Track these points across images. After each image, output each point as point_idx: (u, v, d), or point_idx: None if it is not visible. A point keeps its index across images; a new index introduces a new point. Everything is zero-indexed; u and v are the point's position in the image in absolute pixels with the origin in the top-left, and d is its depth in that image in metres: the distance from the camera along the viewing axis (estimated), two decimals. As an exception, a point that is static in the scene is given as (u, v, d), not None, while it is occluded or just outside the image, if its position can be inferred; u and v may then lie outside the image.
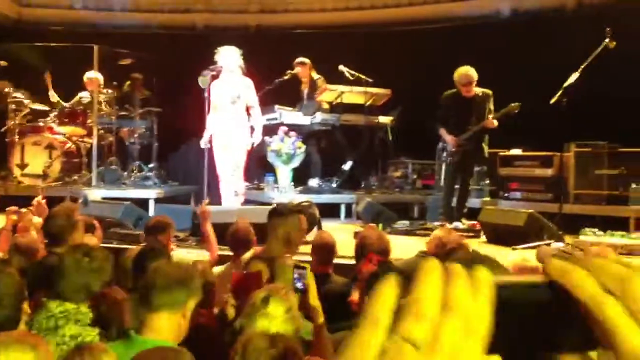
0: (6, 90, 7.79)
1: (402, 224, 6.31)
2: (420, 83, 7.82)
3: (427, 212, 7.10)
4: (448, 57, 7.15)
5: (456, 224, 6.07)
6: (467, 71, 6.12)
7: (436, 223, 5.97)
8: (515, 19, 8.92)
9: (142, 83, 8.28)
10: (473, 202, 6.76)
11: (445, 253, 3.45)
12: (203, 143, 6.25)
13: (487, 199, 7.13)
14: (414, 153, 8.36)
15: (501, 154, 7.15)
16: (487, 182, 7.40)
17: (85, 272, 2.25)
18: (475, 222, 5.93)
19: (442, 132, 6.38)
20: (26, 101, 7.87)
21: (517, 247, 4.79)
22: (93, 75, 7.89)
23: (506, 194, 7.06)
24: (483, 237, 5.67)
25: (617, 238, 5.11)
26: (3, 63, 7.94)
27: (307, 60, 7.87)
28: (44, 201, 4.27)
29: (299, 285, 2.53)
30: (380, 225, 6.02)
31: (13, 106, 7.80)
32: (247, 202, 6.73)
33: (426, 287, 0.41)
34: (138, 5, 10.88)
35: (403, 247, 4.72)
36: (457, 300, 0.41)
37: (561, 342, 0.44)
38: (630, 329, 0.40)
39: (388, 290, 0.42)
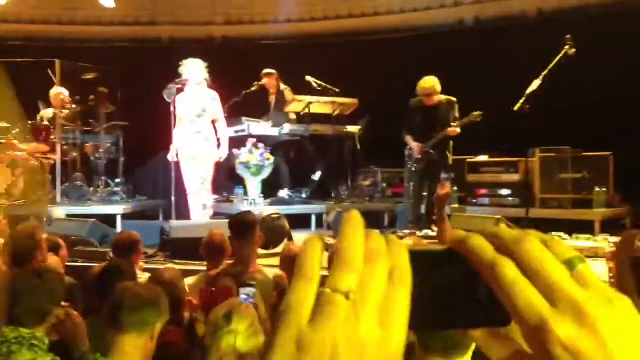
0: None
1: (373, 233, 6.30)
2: (387, 92, 7.88)
3: (397, 221, 7.14)
4: (413, 66, 7.23)
5: (426, 231, 6.11)
6: (426, 83, 6.19)
7: (406, 231, 6.01)
8: (478, 27, 9.07)
9: (107, 97, 8.15)
10: (442, 209, 6.81)
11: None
12: (170, 157, 6.19)
13: (456, 205, 7.21)
14: (383, 161, 8.41)
15: (468, 160, 7.25)
16: (455, 188, 7.47)
17: (38, 295, 2.18)
18: (444, 229, 5.97)
19: (408, 139, 6.45)
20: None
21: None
22: (57, 91, 7.75)
23: (474, 200, 7.15)
24: (453, 244, 5.70)
25: (583, 241, 5.21)
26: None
27: (274, 71, 7.87)
28: (5, 221, 4.16)
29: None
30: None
31: (-28, 124, 7.59)
32: (216, 215, 6.66)
33: (350, 239, 0.43)
34: (101, 18, 10.74)
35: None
36: (378, 251, 0.42)
37: (472, 317, 0.45)
38: (525, 286, 0.41)
39: (315, 248, 0.43)
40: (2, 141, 7.65)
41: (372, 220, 6.99)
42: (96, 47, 10.23)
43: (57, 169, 7.58)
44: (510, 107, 5.61)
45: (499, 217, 5.45)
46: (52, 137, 7.67)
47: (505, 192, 6.94)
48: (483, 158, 7.29)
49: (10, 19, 10.57)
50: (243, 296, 2.53)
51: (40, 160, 7.76)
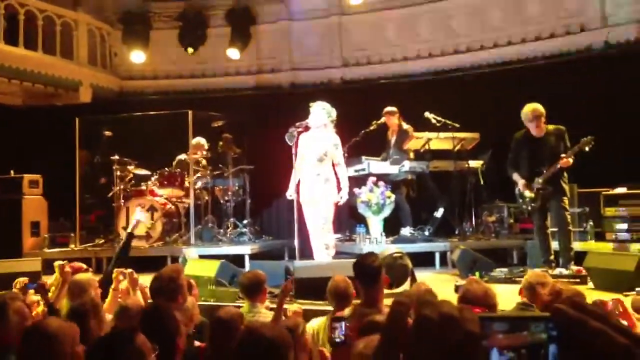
0: (112, 158, 8.33)
1: (500, 271, 6.04)
2: (509, 125, 7.60)
3: (528, 258, 6.76)
4: (536, 96, 6.91)
5: (559, 269, 5.73)
6: (532, 107, 5.84)
7: (537, 269, 5.65)
8: (605, 53, 8.54)
9: (233, 141, 8.59)
10: (576, 245, 6.37)
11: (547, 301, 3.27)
12: (288, 194, 6.28)
13: (592, 242, 6.71)
14: (508, 196, 8.07)
15: (605, 193, 6.74)
16: (591, 223, 6.97)
17: None
18: (580, 268, 5.58)
19: (515, 176, 6.07)
20: (130, 167, 8.36)
21: (629, 293, 4.44)
22: (196, 141, 8.32)
23: (613, 236, 6.61)
24: (590, 284, 5.31)
25: None
26: (108, 133, 8.52)
27: (395, 109, 7.89)
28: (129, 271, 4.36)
29: (337, 338, 2.55)
30: (477, 273, 5.81)
31: (118, 173, 8.31)
32: (338, 254, 6.70)
33: None
34: (227, 70, 11.44)
35: (502, 296, 4.50)
36: None
37: None
38: None
39: None
40: (143, 187, 8.31)
41: (500, 258, 6.69)
42: (223, 96, 10.90)
43: (190, 212, 8.05)
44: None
45: (642, 253, 5.01)
46: (186, 182, 8.20)
47: (648, 226, 6.35)
48: (621, 190, 6.74)
49: (148, 76, 11.58)
50: (337, 327, 2.60)
51: (176, 205, 8.32)
